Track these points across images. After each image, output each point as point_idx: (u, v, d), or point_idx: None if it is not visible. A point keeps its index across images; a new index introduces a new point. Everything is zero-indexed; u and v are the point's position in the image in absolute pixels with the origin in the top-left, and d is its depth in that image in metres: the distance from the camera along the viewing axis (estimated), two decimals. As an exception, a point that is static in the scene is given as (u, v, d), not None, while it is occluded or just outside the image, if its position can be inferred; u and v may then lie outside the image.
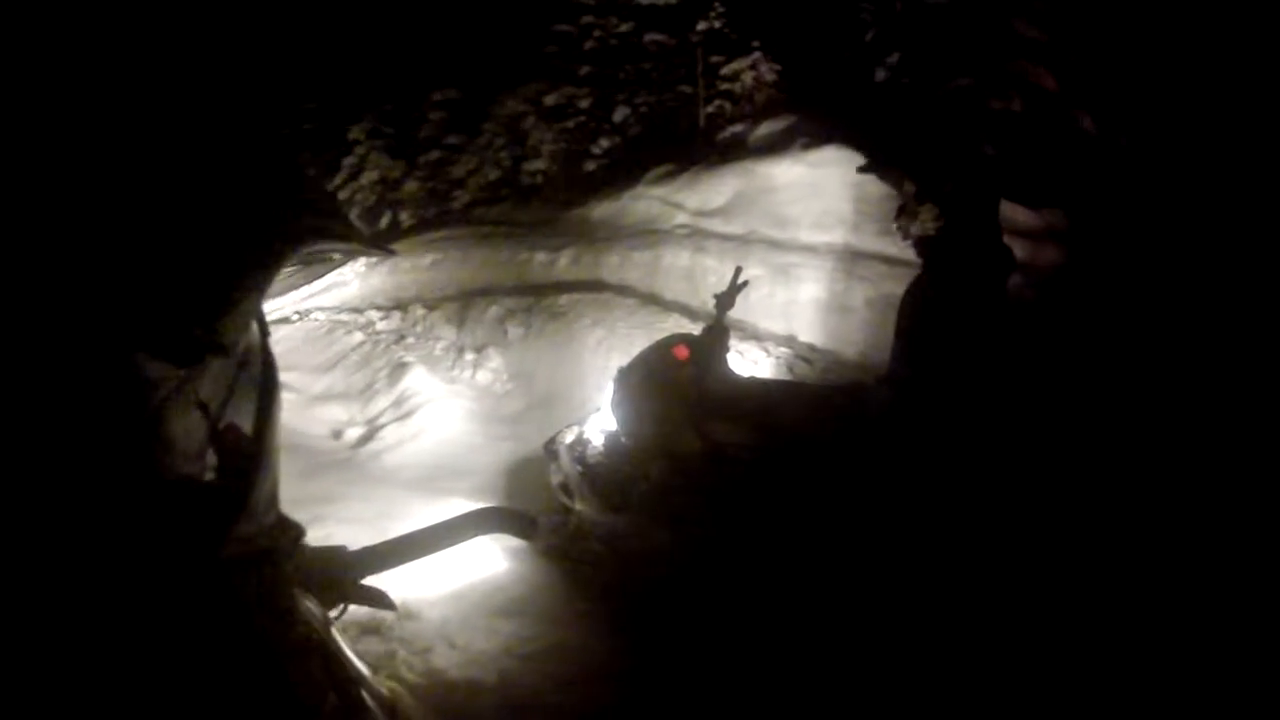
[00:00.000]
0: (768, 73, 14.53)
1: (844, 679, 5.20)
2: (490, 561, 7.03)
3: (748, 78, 14.61)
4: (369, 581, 4.83)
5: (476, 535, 5.65)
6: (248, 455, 1.01)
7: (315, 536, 7.48)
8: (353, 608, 4.63)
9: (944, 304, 6.36)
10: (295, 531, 1.19)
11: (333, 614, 2.12)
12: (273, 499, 1.13)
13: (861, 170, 7.33)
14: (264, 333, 1.39)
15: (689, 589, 6.08)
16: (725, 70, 14.87)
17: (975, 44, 10.64)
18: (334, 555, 2.02)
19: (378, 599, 2.40)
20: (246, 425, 1.26)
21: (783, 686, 5.24)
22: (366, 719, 1.39)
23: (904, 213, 9.75)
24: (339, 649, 1.35)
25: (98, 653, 0.82)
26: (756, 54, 14.59)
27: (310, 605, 1.46)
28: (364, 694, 1.36)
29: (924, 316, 6.39)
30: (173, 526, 0.89)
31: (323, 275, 23.13)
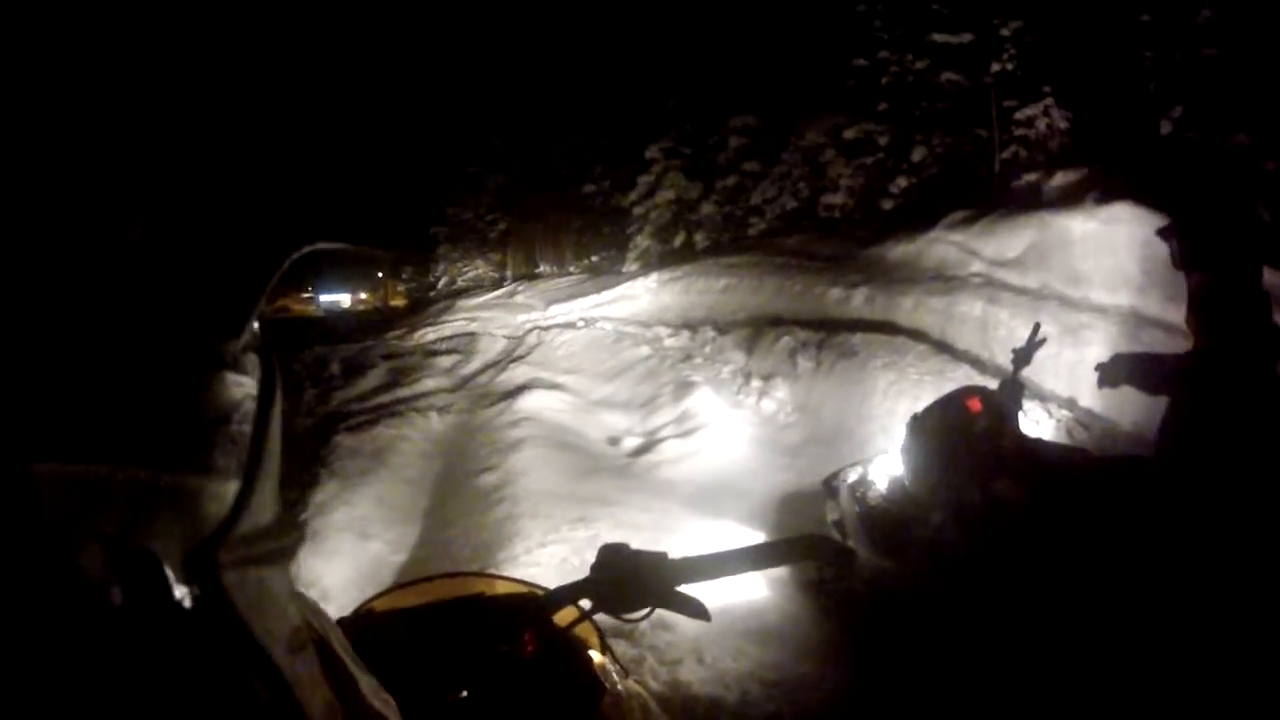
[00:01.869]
0: (1060, 119, 14.37)
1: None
2: (748, 586, 7.16)
3: (1041, 124, 14.44)
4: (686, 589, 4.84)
5: (797, 561, 5.66)
6: (248, 455, 1.05)
7: (582, 537, 7.99)
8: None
9: (1211, 382, 6.25)
10: (296, 533, 1.28)
11: (636, 616, 2.23)
12: (273, 500, 1.18)
13: (1160, 234, 7.13)
14: (264, 333, 1.39)
15: (945, 642, 6.01)
16: (1019, 115, 14.77)
17: (1252, 100, 10.35)
18: (659, 560, 2.17)
19: (694, 608, 2.58)
20: (247, 425, 1.26)
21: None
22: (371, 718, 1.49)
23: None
24: (339, 650, 1.44)
25: (93, 652, 0.87)
26: (1048, 100, 14.45)
27: (309, 604, 1.53)
28: (365, 693, 1.45)
29: (1193, 395, 6.29)
30: (172, 526, 0.94)
31: (613, 286, 23.72)
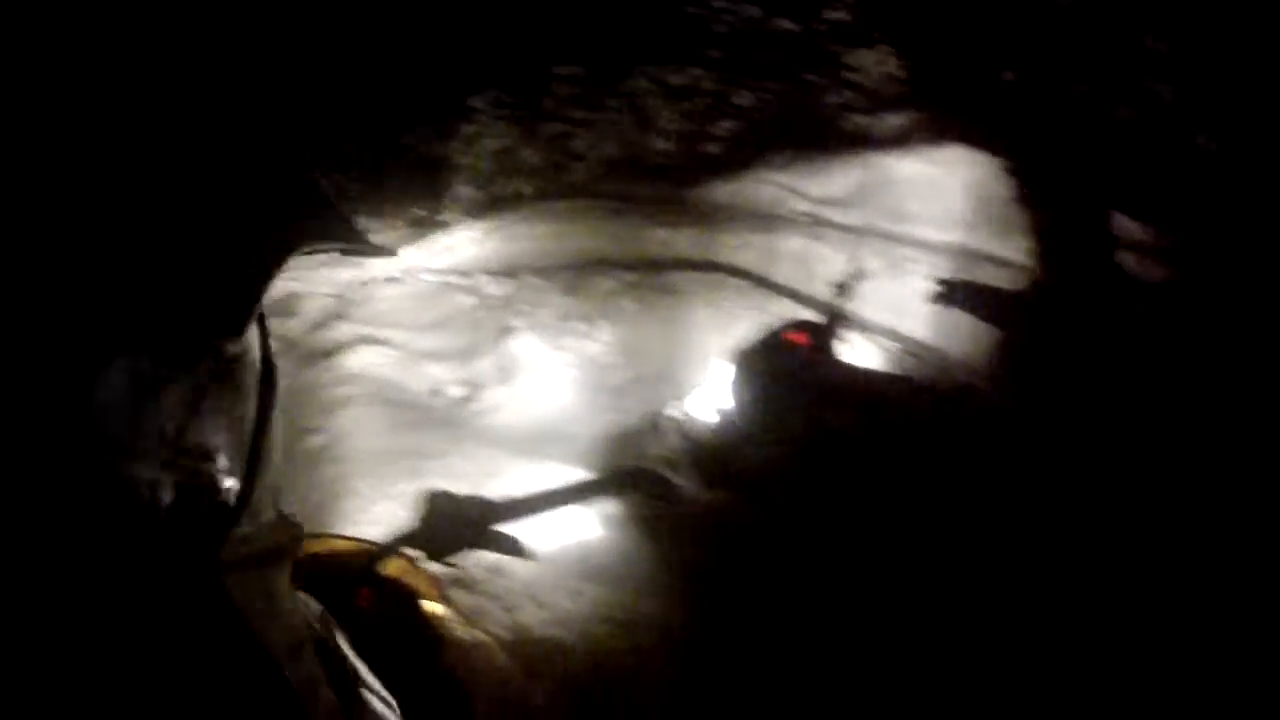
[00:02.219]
0: (896, 66, 14.44)
1: (924, 671, 5.19)
2: (581, 526, 7.10)
3: (875, 70, 14.54)
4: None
5: (614, 494, 5.73)
6: (248, 455, 1.03)
7: (412, 490, 7.50)
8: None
9: (1054, 313, 6.36)
10: (296, 530, 1.21)
11: (453, 560, 2.24)
12: (273, 497, 1.15)
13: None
14: (263, 330, 1.40)
15: (778, 570, 6.05)
16: (851, 61, 14.79)
17: (1099, 51, 10.54)
18: (479, 504, 2.12)
19: (511, 546, 2.53)
20: (247, 424, 1.28)
21: (852, 675, 5.29)
22: (368, 719, 1.44)
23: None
24: (339, 648, 1.41)
25: (92, 652, 0.84)
26: (884, 46, 14.49)
27: (309, 603, 1.51)
28: (365, 693, 1.39)
29: (1029, 323, 6.41)
30: (173, 525, 0.91)
31: (435, 237, 23.49)
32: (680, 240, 14.53)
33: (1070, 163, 9.31)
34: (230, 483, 1.05)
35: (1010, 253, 10.06)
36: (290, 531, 1.10)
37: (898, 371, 9.54)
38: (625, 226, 16.17)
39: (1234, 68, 10.24)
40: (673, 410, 7.87)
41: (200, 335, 1.04)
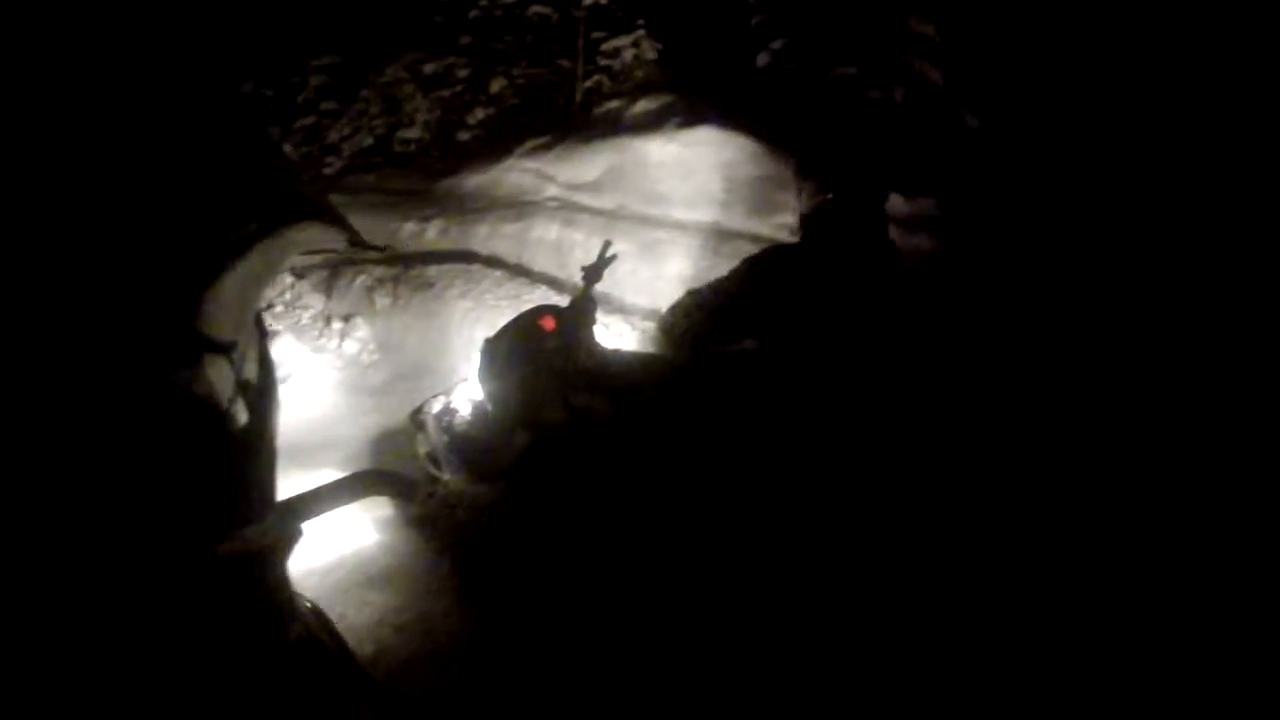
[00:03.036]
0: (649, 50, 14.60)
1: (704, 654, 5.31)
2: (358, 533, 7.14)
3: (628, 55, 14.67)
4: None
5: (359, 497, 5.66)
6: (245, 452, 0.99)
7: None
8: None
9: (819, 280, 6.47)
10: (294, 531, 1.18)
11: None
12: (269, 496, 1.11)
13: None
14: (261, 332, 1.36)
15: (553, 558, 6.20)
16: (606, 47, 14.94)
17: (863, 35, 10.78)
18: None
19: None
20: (243, 422, 1.25)
21: (637, 661, 5.35)
22: (363, 715, 1.38)
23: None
24: (336, 643, 1.34)
25: (91, 649, 0.79)
26: (640, 31, 14.66)
27: (306, 602, 1.44)
28: (363, 690, 1.34)
29: (795, 290, 6.50)
30: (170, 523, 0.87)
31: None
32: (431, 231, 14.43)
33: (830, 141, 9.50)
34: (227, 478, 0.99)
35: (766, 229, 10.42)
36: (288, 528, 1.06)
37: (653, 352, 9.31)
38: (378, 220, 15.60)
39: (997, 46, 10.66)
40: (433, 406, 7.65)
41: (198, 336, 1.07)
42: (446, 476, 7.21)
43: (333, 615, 5.76)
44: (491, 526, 6.85)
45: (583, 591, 5.86)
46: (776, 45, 11.64)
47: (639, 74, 14.61)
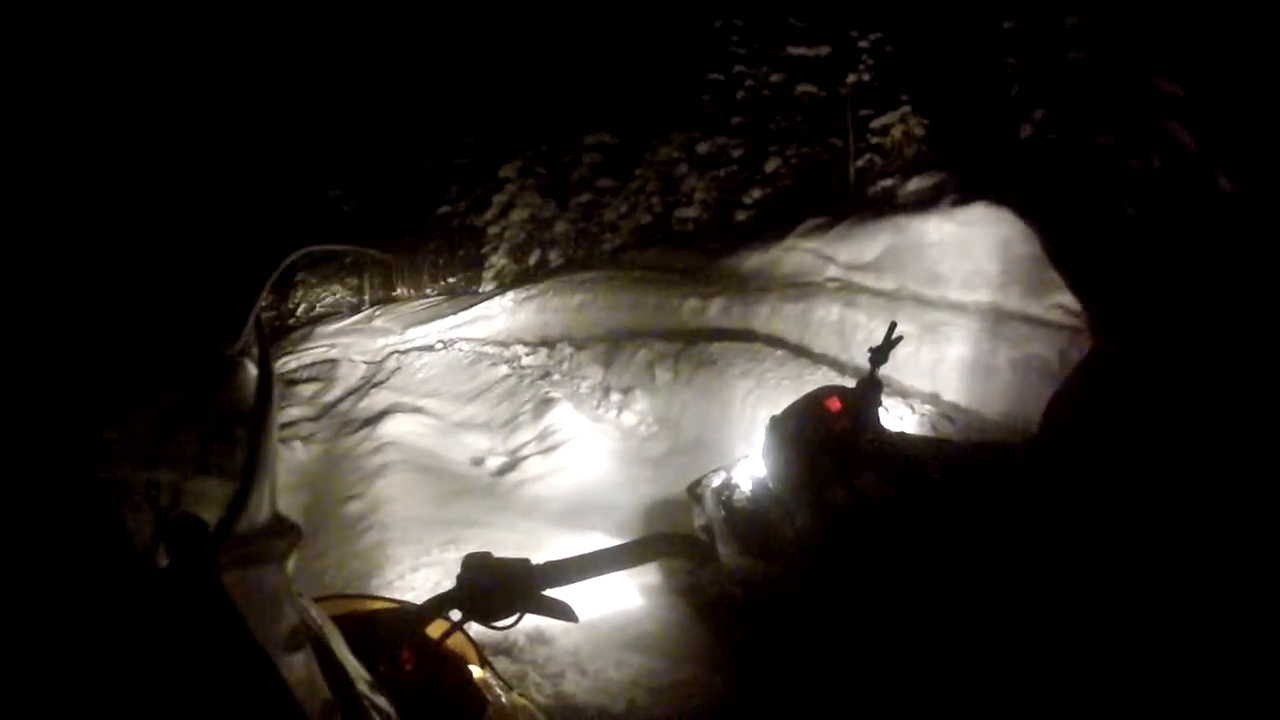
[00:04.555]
0: (916, 127, 14.60)
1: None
2: (623, 595, 7.18)
3: (897, 132, 14.67)
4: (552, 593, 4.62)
5: (655, 558, 5.45)
6: (246, 457, 1.02)
7: (453, 559, 7.98)
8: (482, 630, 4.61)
9: (1119, 382, 6.22)
10: (292, 534, 1.20)
11: (506, 623, 2.16)
12: (270, 501, 1.13)
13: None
14: (261, 336, 1.36)
15: (820, 639, 5.99)
16: (875, 124, 14.98)
17: (1116, 101, 10.58)
18: (522, 566, 2.08)
19: (560, 610, 2.46)
20: (245, 426, 1.26)
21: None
22: None
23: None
24: (337, 649, 1.39)
25: (88, 653, 0.85)
26: (905, 108, 14.68)
27: (307, 607, 1.48)
28: (362, 691, 1.39)
29: (1093, 392, 6.25)
30: (170, 528, 0.91)
31: (470, 307, 23.67)
32: (713, 310, 14.44)
33: (1097, 214, 9.29)
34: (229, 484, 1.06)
35: (1043, 310, 10.05)
36: (288, 532, 1.14)
37: (935, 436, 9.37)
38: (658, 296, 16.14)
39: (1250, 105, 10.27)
40: (712, 480, 7.54)
41: (198, 339, 1.07)
42: (720, 550, 7.07)
43: (588, 670, 5.99)
44: (759, 604, 6.65)
45: (849, 683, 5.63)
46: (1037, 116, 11.52)
47: (908, 151, 14.60)
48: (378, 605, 2.59)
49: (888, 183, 13.85)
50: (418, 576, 7.75)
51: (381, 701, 1.46)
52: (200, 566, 0.94)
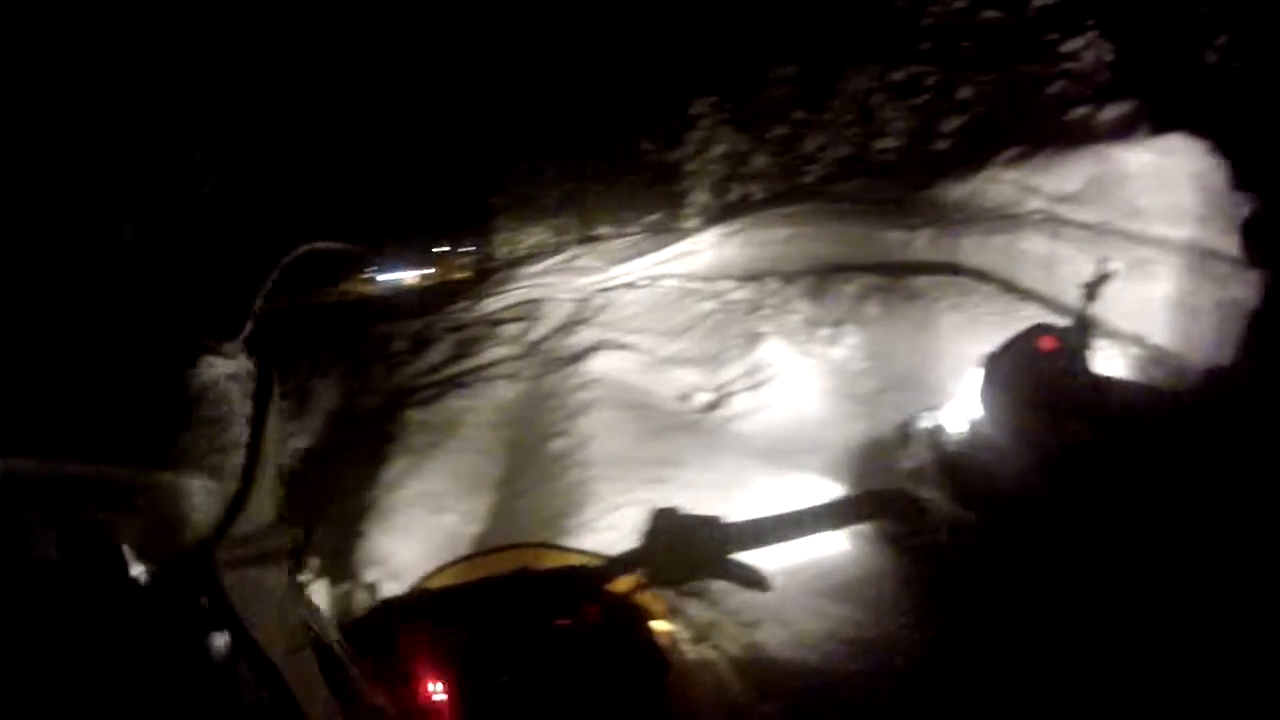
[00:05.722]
0: (1106, 51, 14.31)
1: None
2: (826, 541, 6.64)
3: (1086, 57, 14.45)
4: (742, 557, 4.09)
5: (863, 520, 4.55)
6: (245, 457, 0.96)
7: (656, 498, 7.45)
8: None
9: None
10: (294, 533, 1.18)
11: (684, 588, 2.08)
12: (271, 501, 1.10)
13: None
14: (261, 336, 1.29)
15: (1029, 597, 5.55)
16: (1063, 49, 14.73)
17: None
18: (713, 526, 1.95)
19: (749, 576, 2.17)
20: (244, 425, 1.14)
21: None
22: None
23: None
24: (337, 649, 1.37)
25: (87, 653, 0.82)
26: (1092, 33, 14.38)
27: (309, 605, 1.42)
28: (362, 691, 1.39)
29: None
30: (169, 528, 0.87)
31: (674, 243, 23.75)
32: (919, 242, 14.16)
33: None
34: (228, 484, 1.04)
35: (1233, 248, 9.77)
36: (288, 533, 1.15)
37: (1146, 381, 8.87)
38: (862, 229, 15.94)
39: None
40: (923, 420, 7.51)
41: (195, 337, 1.04)
42: (929, 496, 6.91)
43: (786, 619, 5.79)
44: (969, 555, 6.40)
45: (1046, 639, 5.20)
46: (1221, 42, 11.18)
47: (1101, 77, 14.29)
48: (562, 558, 2.59)
49: (1082, 110, 13.52)
50: (618, 515, 7.76)
51: (383, 701, 1.48)
52: (197, 568, 0.95)
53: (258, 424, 1.06)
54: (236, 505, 1.02)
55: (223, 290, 1.10)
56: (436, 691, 1.98)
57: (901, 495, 6.22)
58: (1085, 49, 14.27)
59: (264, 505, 1.08)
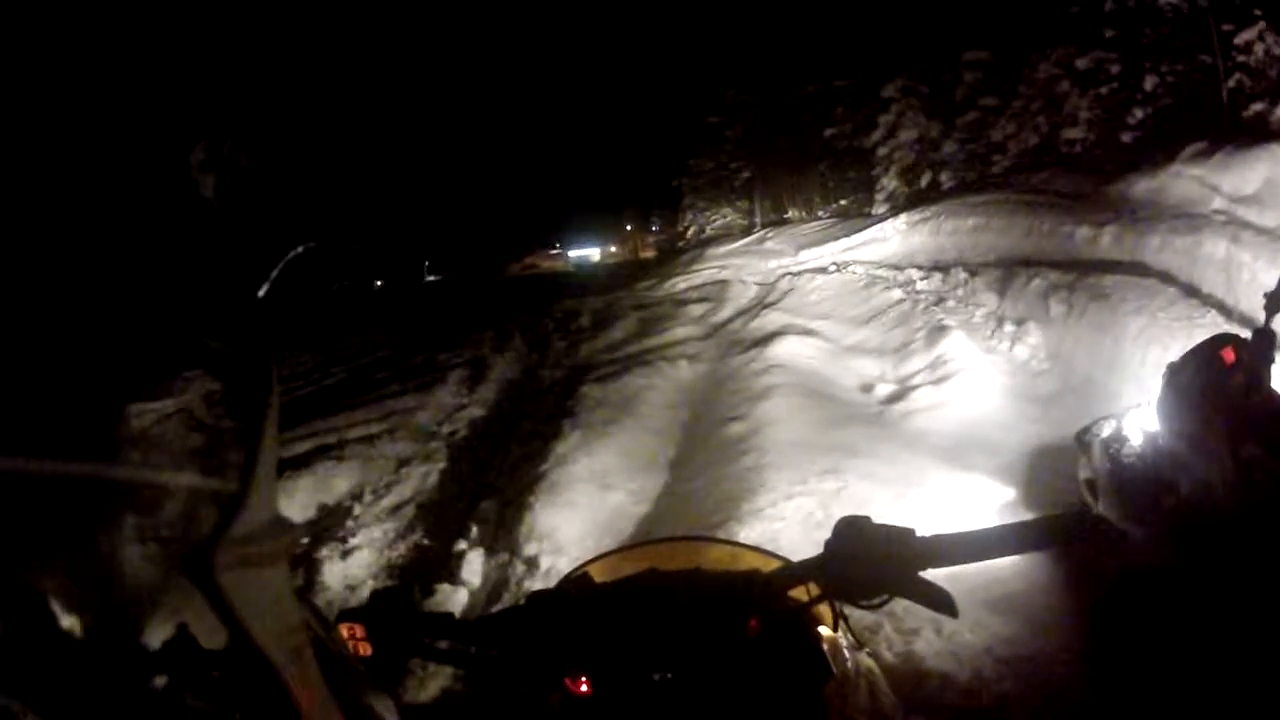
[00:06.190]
0: (1275, 44, 14.11)
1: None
2: None
3: (1259, 49, 14.24)
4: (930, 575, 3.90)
5: (1059, 544, 4.01)
6: (244, 458, 0.94)
7: (830, 489, 7.80)
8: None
9: None
10: (294, 534, 1.14)
11: (875, 603, 1.92)
12: (271, 501, 1.06)
13: None
14: (261, 336, 1.23)
15: (1189, 626, 5.12)
16: (1237, 40, 14.51)
17: None
18: (903, 540, 1.88)
19: (938, 599, 2.04)
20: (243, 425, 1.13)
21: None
22: None
23: None
24: (337, 649, 1.33)
25: (86, 654, 0.99)
26: (1261, 24, 14.20)
27: (310, 606, 1.36)
28: (363, 693, 1.36)
29: None
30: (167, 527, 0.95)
31: (862, 229, 23.85)
32: (1105, 239, 13.91)
33: None
34: (227, 484, 1.01)
35: None
36: (288, 533, 1.11)
37: None
38: (1051, 222, 15.71)
39: None
40: (1101, 428, 6.83)
41: (192, 336, 1.02)
42: (1101, 508, 6.47)
43: (945, 630, 5.67)
44: (1140, 578, 5.88)
45: (1204, 675, 4.71)
46: None
47: (1273, 71, 14.10)
48: (732, 555, 2.53)
49: (1259, 106, 13.35)
50: (790, 505, 7.55)
51: (384, 703, 1.48)
52: (196, 568, 0.93)
53: (255, 425, 1.05)
54: (236, 506, 1.01)
55: (222, 291, 1.10)
56: (582, 683, 2.03)
57: (1100, 522, 6.21)
58: (1256, 40, 14.05)
59: (263, 506, 1.05)
